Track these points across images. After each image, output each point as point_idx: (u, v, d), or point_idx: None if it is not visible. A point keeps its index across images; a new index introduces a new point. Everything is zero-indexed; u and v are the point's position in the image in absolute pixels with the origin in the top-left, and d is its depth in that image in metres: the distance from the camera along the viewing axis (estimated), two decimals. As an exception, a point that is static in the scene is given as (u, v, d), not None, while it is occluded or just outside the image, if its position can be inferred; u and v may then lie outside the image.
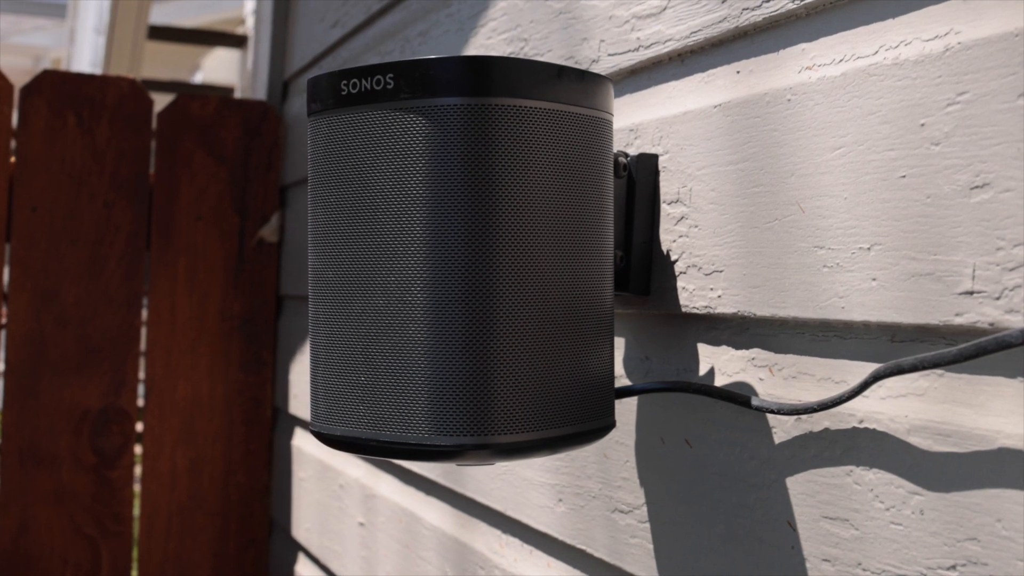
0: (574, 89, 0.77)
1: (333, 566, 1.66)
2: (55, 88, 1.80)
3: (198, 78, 6.61)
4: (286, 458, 1.90)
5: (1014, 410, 0.61)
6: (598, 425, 0.80)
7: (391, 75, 0.74)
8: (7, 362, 1.78)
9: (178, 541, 1.90)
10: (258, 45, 2.10)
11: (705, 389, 0.81)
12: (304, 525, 1.79)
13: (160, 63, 5.33)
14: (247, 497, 1.94)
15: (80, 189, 1.81)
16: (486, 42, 1.21)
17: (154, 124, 1.88)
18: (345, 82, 0.76)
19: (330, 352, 0.78)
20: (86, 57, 4.64)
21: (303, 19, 1.93)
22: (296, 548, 1.86)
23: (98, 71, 4.40)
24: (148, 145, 1.86)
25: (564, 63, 1.05)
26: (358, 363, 0.76)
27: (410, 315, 0.73)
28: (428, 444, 0.73)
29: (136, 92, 1.84)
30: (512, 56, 0.75)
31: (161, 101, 1.92)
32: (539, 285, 0.74)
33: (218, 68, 6.20)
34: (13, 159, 1.78)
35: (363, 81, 0.75)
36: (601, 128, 0.79)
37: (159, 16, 5.44)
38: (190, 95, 1.91)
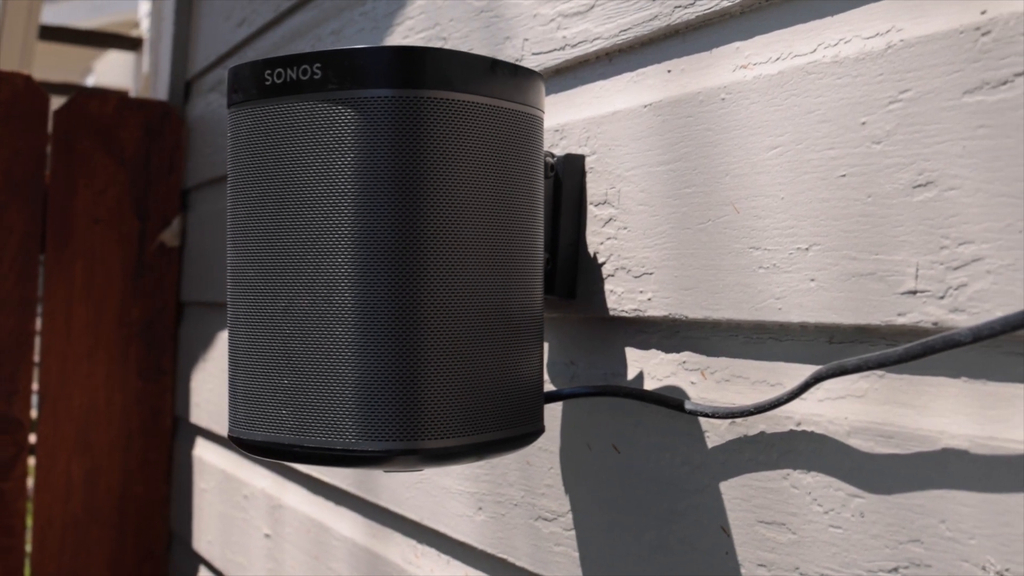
0: (508, 84, 0.75)
1: (237, 579, 1.61)
2: (-55, 83, 1.72)
3: (90, 81, 6.45)
4: (187, 468, 1.85)
5: (958, 410, 0.61)
6: (528, 430, 0.78)
7: (318, 64, 0.71)
8: None
9: (72, 555, 1.83)
10: (159, 44, 2.04)
11: (636, 393, 0.80)
12: (206, 537, 1.74)
13: (51, 65, 5.18)
14: (145, 509, 1.88)
15: (-29, 189, 1.74)
16: (403, 41, 1.18)
17: (50, 124, 1.81)
18: (269, 72, 0.73)
19: (251, 354, 0.74)
20: (-27, 56, 4.49)
21: (207, 17, 1.88)
22: (197, 561, 1.80)
23: (-14, 71, 4.26)
24: (44, 145, 1.79)
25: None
26: (281, 365, 0.72)
27: (337, 315, 0.70)
28: (355, 450, 0.70)
29: (31, 89, 1.77)
30: (446, 48, 0.73)
31: (54, 103, 1.85)
32: (469, 286, 0.72)
33: (110, 71, 6.06)
34: (-101, 157, 1.70)
35: (288, 71, 0.72)
36: (534, 125, 0.77)
37: (50, 16, 5.30)
38: (88, 93, 1.84)
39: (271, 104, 0.73)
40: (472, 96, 0.72)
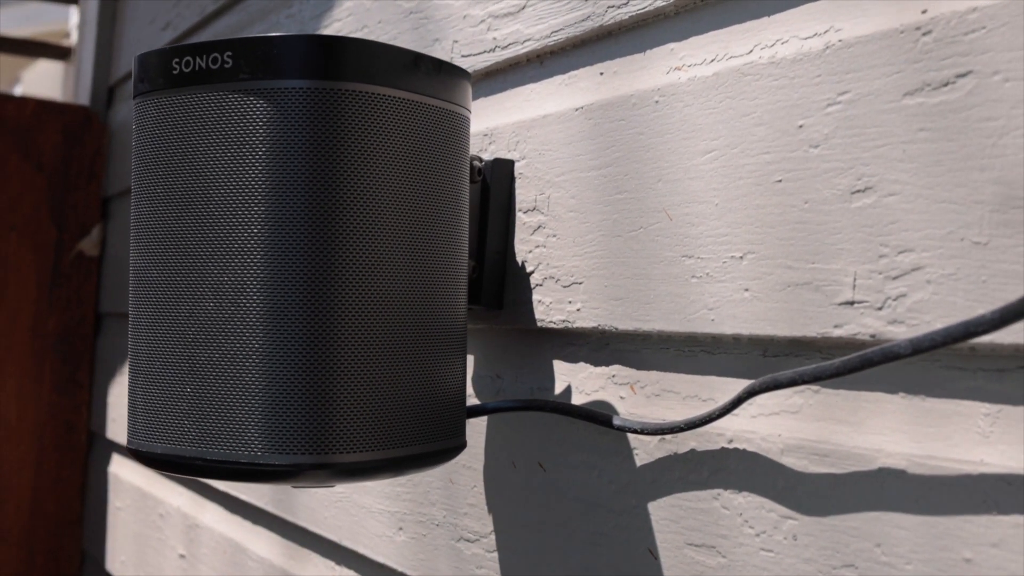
0: (431, 80, 0.71)
1: (149, 602, 1.55)
2: None
3: (18, 91, 6.31)
4: (102, 486, 1.78)
5: (896, 427, 0.58)
6: (448, 445, 0.74)
7: (229, 53, 0.67)
8: None
9: (-22, 576, 1.75)
10: (82, 48, 1.98)
11: (563, 408, 0.76)
12: (120, 558, 1.68)
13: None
14: (56, 528, 1.81)
15: None
16: (330, 44, 1.14)
17: (-36, 125, 1.75)
18: (177, 60, 0.68)
19: (152, 360, 0.70)
20: None
21: (132, 22, 1.83)
22: (109, 583, 1.74)
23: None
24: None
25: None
26: (184, 373, 0.68)
27: (244, 319, 0.66)
28: (261, 463, 0.66)
29: (-55, 90, 1.71)
30: (367, 39, 0.69)
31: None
32: (386, 291, 0.68)
33: (39, 81, 5.94)
34: None
35: (197, 59, 0.68)
36: (458, 124, 0.74)
37: (-22, 24, 5.17)
38: (5, 97, 1.78)
39: (179, 94, 0.68)
40: (393, 90, 0.68)
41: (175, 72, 0.68)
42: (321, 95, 0.66)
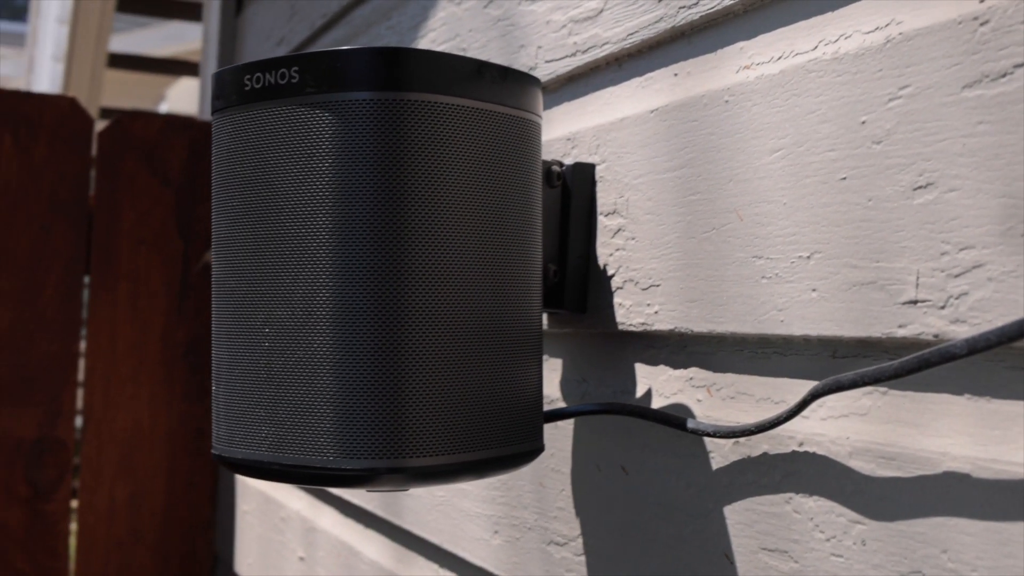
0: (497, 87, 0.72)
1: (273, 603, 1.59)
2: (-9, 106, 1.74)
3: (163, 108, 6.54)
4: (230, 490, 1.83)
5: (960, 430, 0.56)
6: (523, 449, 0.74)
7: (296, 68, 0.68)
8: (-63, 390, 1.71)
9: (116, 577, 1.82)
10: (205, 65, 2.04)
11: (639, 411, 0.76)
12: (247, 560, 1.72)
13: (124, 93, 5.26)
14: (189, 532, 1.87)
15: (16, 211, 1.75)
16: (426, 54, 1.16)
17: (95, 146, 1.82)
18: (248, 77, 0.70)
19: (232, 368, 0.72)
20: (44, 85, 4.58)
21: (250, 38, 1.88)
22: (238, 584, 1.79)
23: (58, 98, 4.34)
24: (88, 167, 1.80)
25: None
26: (260, 380, 0.70)
27: (315, 327, 0.67)
28: (333, 468, 0.67)
29: (75, 111, 1.78)
30: (428, 49, 0.70)
31: (104, 122, 1.85)
32: (456, 296, 0.69)
33: (183, 98, 6.14)
34: (-54, 179, 1.72)
35: (267, 75, 0.69)
36: (526, 130, 0.74)
37: (124, 45, 5.38)
38: (133, 115, 1.85)
39: (251, 110, 0.70)
40: (457, 99, 0.69)
41: (247, 88, 0.70)
42: (385, 106, 0.67)
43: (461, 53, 1.07)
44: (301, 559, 1.48)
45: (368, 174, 0.66)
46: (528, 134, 0.74)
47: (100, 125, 1.84)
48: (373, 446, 0.67)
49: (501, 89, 0.72)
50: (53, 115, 1.77)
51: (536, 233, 0.76)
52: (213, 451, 0.74)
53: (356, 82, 0.67)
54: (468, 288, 0.69)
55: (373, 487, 0.69)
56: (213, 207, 0.74)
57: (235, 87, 0.71)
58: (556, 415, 0.81)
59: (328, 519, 1.41)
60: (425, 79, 0.68)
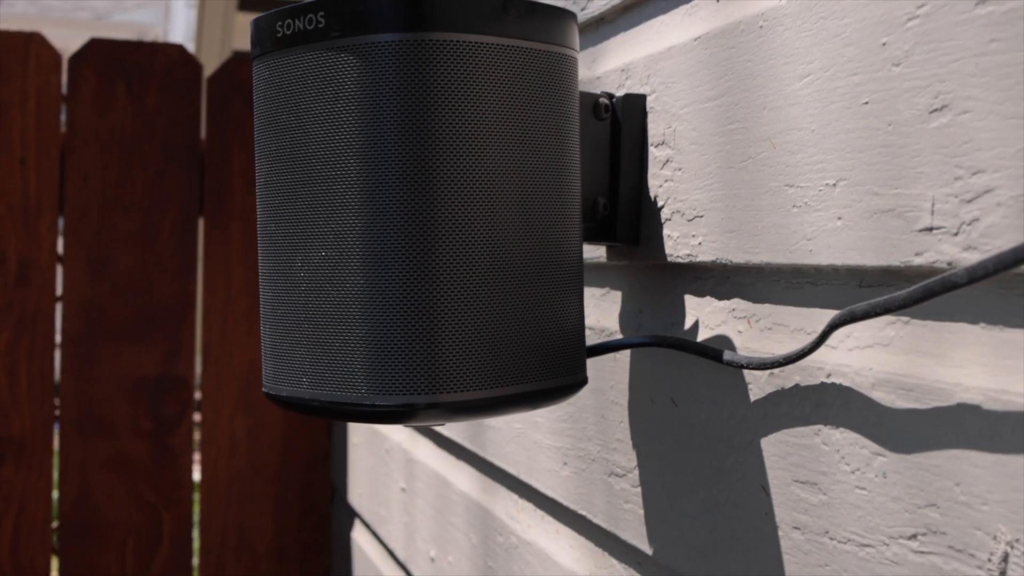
0: (524, 22, 0.71)
1: (381, 531, 1.63)
2: (103, 57, 1.80)
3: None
4: (342, 423, 1.88)
5: (974, 360, 0.54)
6: (564, 382, 0.75)
7: (322, 13, 0.69)
8: (63, 331, 1.79)
9: (238, 507, 1.90)
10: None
11: (679, 343, 0.75)
12: (358, 490, 1.78)
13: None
14: (306, 464, 1.93)
15: (131, 157, 1.81)
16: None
17: (204, 90, 1.87)
18: (280, 23, 0.72)
19: (275, 309, 0.74)
20: (180, 31, 4.70)
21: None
22: (352, 514, 1.84)
23: (191, 44, 4.45)
24: (198, 111, 1.85)
25: (563, 4, 0.99)
26: (301, 320, 0.72)
27: (347, 268, 0.69)
28: (367, 404, 0.69)
29: (184, 58, 1.83)
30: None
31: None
32: (488, 233, 0.69)
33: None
34: (64, 129, 1.79)
35: (296, 21, 0.70)
36: (557, 64, 0.74)
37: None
38: (240, 59, 1.89)
39: (284, 56, 0.71)
40: (482, 36, 0.69)
41: (279, 35, 0.72)
42: (409, 47, 0.67)
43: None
44: (403, 490, 1.51)
45: (394, 116, 0.67)
46: (560, 68, 0.74)
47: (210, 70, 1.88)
48: (409, 382, 0.68)
49: (529, 24, 0.71)
50: (163, 63, 1.82)
51: (573, 167, 0.75)
52: (263, 389, 0.77)
53: (379, 24, 0.68)
54: (500, 225, 0.70)
55: (411, 423, 0.71)
56: (256, 152, 0.76)
57: (269, 34, 0.72)
58: (600, 349, 0.81)
59: (424, 450, 1.44)
60: (448, 18, 0.68)
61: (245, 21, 4.52)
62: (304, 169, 0.70)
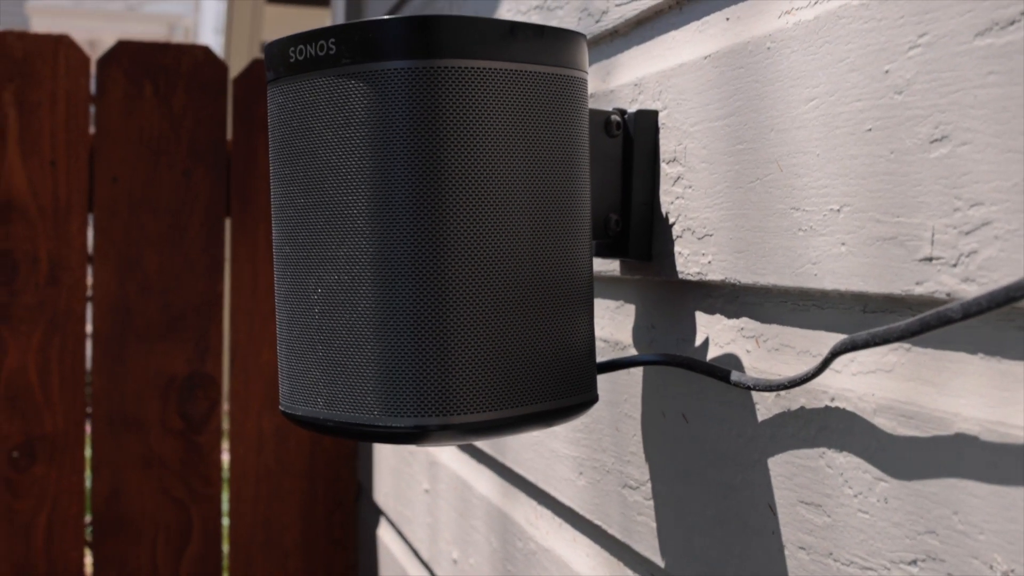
0: (532, 47, 0.72)
1: (405, 531, 1.65)
2: (131, 58, 1.82)
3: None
4: (370, 421, 1.90)
5: (974, 390, 0.55)
6: (575, 401, 0.76)
7: (332, 40, 0.70)
8: (94, 330, 1.81)
9: (267, 503, 1.92)
10: (335, 5, 2.08)
11: (688, 363, 0.76)
12: (383, 489, 1.79)
13: (288, 25, 5.38)
14: (333, 461, 1.95)
15: (159, 158, 1.83)
16: (516, -4, 1.16)
17: (230, 91, 1.88)
18: (293, 48, 0.73)
19: (291, 330, 0.75)
20: (209, 23, 4.73)
21: (374, -22, 1.90)
22: (377, 512, 1.86)
23: (221, 36, 4.47)
24: (224, 112, 1.87)
25: (578, 16, 1.00)
26: (315, 341, 0.73)
27: (359, 291, 0.70)
28: (381, 425, 0.70)
29: (210, 59, 1.84)
30: (459, 15, 0.71)
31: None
32: (497, 256, 0.70)
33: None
34: (92, 130, 1.81)
35: (308, 47, 0.72)
36: (567, 86, 0.74)
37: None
38: (264, 48, 1.90)
39: (296, 82, 0.73)
40: (491, 62, 0.70)
41: (291, 60, 0.73)
42: (418, 74, 0.68)
43: (544, -4, 1.07)
44: (426, 491, 1.53)
45: (403, 142, 0.68)
46: (568, 90, 0.74)
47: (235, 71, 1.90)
48: (421, 404, 0.69)
49: (536, 48, 0.72)
50: (189, 64, 1.84)
51: (582, 188, 0.76)
52: (280, 407, 0.78)
53: (389, 52, 0.68)
54: (508, 248, 0.71)
55: (423, 444, 0.72)
56: (271, 175, 0.77)
57: (282, 59, 0.73)
58: (610, 366, 0.82)
59: (447, 453, 1.46)
60: (457, 45, 0.69)
61: (274, 13, 4.55)
62: (317, 193, 0.71)
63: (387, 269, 0.69)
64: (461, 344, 0.69)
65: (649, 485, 0.87)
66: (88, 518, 1.84)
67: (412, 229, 0.68)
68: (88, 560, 1.86)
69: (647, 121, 0.85)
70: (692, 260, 0.80)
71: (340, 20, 2.03)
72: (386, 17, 0.69)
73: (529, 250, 0.72)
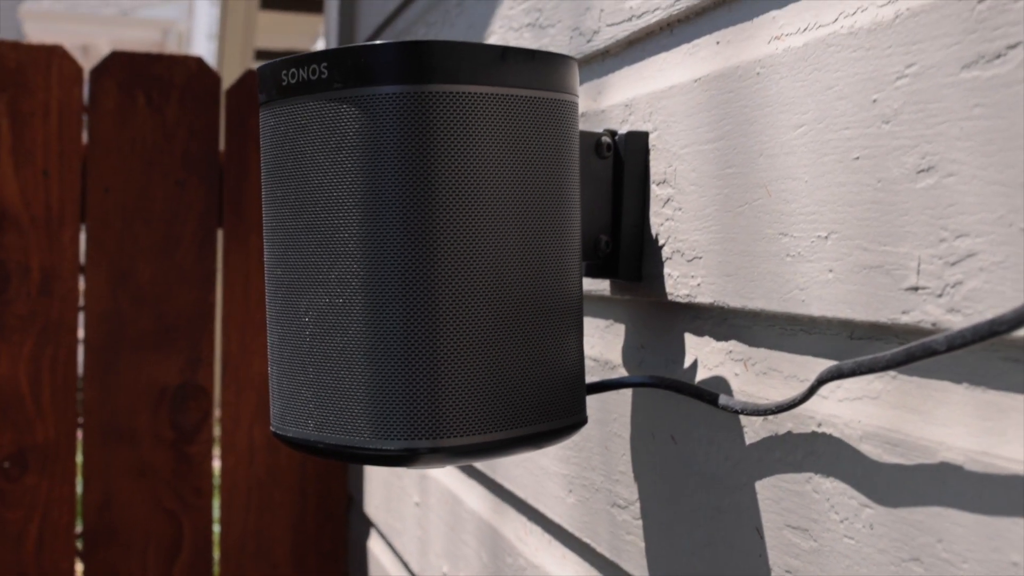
0: (522, 71, 0.72)
1: (395, 543, 1.65)
2: (124, 69, 1.82)
3: (319, 45, 6.66)
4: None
5: (958, 419, 0.55)
6: (564, 423, 0.76)
7: (324, 64, 0.70)
8: (86, 340, 1.81)
9: (257, 514, 1.92)
10: (328, 16, 2.08)
11: (676, 385, 0.76)
12: (374, 502, 1.79)
13: (281, 32, 5.38)
14: (324, 473, 1.95)
15: (151, 168, 1.83)
16: (508, 12, 1.17)
17: (223, 102, 1.89)
18: (285, 72, 0.73)
19: (282, 351, 0.75)
20: (203, 28, 4.73)
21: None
22: (368, 523, 1.86)
23: (214, 42, 4.47)
24: (217, 123, 1.87)
25: (570, 35, 1.00)
26: (306, 364, 0.73)
27: (349, 314, 0.70)
28: (370, 448, 0.70)
29: (203, 70, 1.85)
30: (451, 40, 0.71)
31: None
32: (487, 278, 0.70)
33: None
34: (85, 140, 1.81)
35: (300, 71, 0.72)
36: (556, 110, 0.75)
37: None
38: (256, 71, 1.90)
39: (288, 105, 0.73)
40: (482, 87, 0.70)
41: (283, 84, 0.73)
42: (409, 99, 0.68)
43: (536, 14, 1.08)
44: (417, 504, 1.53)
45: (394, 167, 0.68)
46: (559, 114, 0.75)
47: (227, 83, 1.90)
48: (411, 427, 0.69)
49: (527, 72, 0.72)
50: (182, 75, 1.84)
51: (572, 209, 0.76)
52: (271, 428, 0.78)
53: (380, 76, 0.69)
54: (498, 271, 0.71)
55: (413, 466, 0.72)
56: (263, 197, 0.77)
57: (275, 82, 0.74)
58: (599, 387, 0.82)
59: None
60: (448, 70, 0.69)
61: (267, 19, 4.55)
62: (308, 216, 0.72)
63: (378, 292, 0.69)
64: (451, 367, 0.70)
65: (638, 505, 0.87)
66: (79, 528, 1.84)
67: (402, 252, 0.69)
68: (79, 570, 1.86)
69: (638, 143, 0.85)
70: (681, 282, 0.80)
71: (333, 27, 2.04)
72: (378, 42, 0.70)
73: (519, 273, 0.72)
